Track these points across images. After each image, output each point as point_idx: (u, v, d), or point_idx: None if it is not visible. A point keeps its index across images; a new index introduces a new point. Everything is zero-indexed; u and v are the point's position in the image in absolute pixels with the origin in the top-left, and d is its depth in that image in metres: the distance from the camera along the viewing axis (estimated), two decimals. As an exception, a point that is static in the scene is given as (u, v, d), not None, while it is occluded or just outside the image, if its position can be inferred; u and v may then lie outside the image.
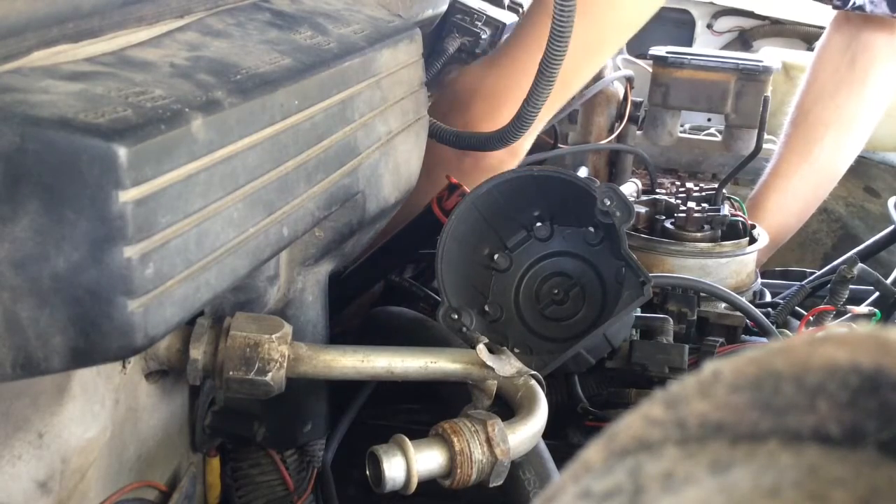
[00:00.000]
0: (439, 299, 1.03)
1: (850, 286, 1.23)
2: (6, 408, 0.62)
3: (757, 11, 2.83)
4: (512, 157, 1.42)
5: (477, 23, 1.58)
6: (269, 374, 0.76)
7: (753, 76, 2.01)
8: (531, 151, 1.73)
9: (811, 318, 1.23)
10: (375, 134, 0.89)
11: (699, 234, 1.38)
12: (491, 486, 0.78)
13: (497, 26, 1.60)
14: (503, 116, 1.21)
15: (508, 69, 1.38)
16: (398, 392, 1.11)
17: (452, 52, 1.57)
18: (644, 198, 1.50)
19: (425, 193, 1.09)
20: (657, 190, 1.72)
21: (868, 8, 1.68)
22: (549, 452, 0.87)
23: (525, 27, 1.42)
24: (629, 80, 1.98)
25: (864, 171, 2.37)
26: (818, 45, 1.84)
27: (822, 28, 1.87)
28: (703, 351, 1.16)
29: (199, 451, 0.90)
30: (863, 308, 1.26)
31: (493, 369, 0.82)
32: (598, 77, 1.88)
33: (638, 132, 2.08)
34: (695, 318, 1.24)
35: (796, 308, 1.32)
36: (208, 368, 0.77)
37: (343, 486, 1.02)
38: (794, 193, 1.79)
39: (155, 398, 0.80)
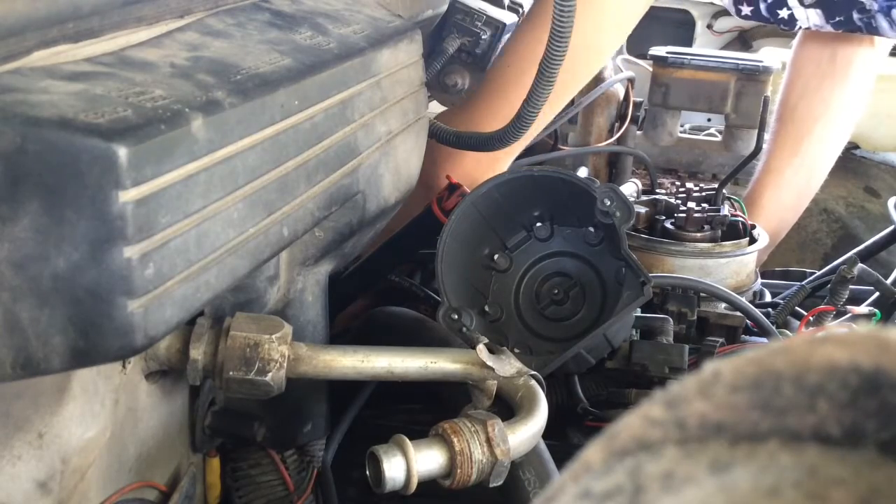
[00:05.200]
0: (439, 299, 1.03)
1: (850, 286, 1.23)
2: (6, 408, 0.63)
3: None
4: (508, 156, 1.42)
5: (477, 23, 1.58)
6: (269, 375, 0.76)
7: (753, 76, 2.01)
8: (531, 152, 1.73)
9: (811, 318, 1.23)
10: (375, 134, 0.89)
11: (699, 235, 1.38)
12: (491, 486, 0.78)
13: (497, 26, 1.60)
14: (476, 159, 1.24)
15: (493, 90, 1.40)
16: (398, 392, 1.11)
17: (452, 52, 1.57)
18: (644, 198, 1.50)
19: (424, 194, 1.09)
20: (657, 190, 1.72)
21: (815, 28, 1.69)
22: (549, 452, 0.87)
23: (511, 48, 1.43)
24: (630, 82, 1.98)
25: (864, 171, 2.37)
26: (795, 42, 1.85)
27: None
28: (703, 351, 1.16)
29: (199, 452, 0.90)
30: (863, 308, 1.26)
31: (493, 369, 0.82)
32: (600, 80, 1.88)
33: (638, 132, 2.08)
34: (695, 318, 1.24)
35: (796, 308, 1.32)
36: (208, 368, 0.77)
37: (343, 486, 1.02)
38: (788, 187, 1.81)
39: (155, 398, 0.80)
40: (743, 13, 1.73)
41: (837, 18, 1.64)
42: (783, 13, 1.66)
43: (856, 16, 1.63)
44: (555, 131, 1.88)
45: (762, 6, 1.68)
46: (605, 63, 1.71)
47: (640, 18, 1.41)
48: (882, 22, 1.61)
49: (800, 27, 1.71)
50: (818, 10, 1.64)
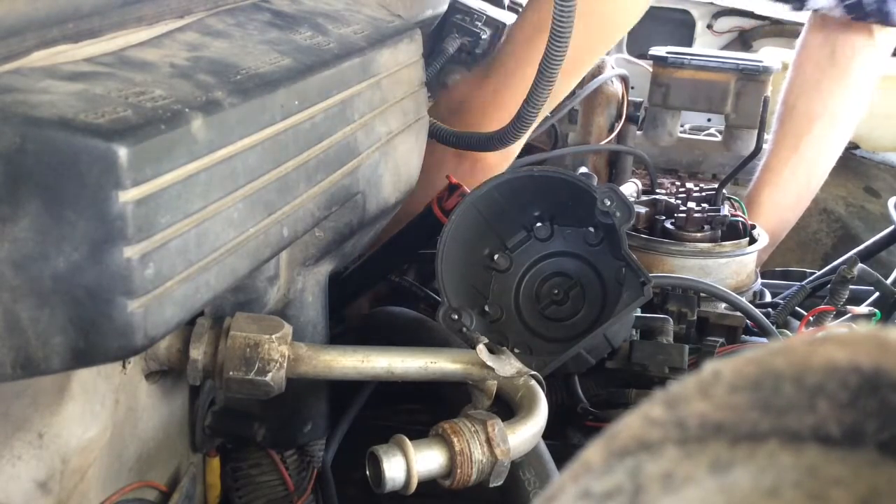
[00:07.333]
0: (439, 299, 1.03)
1: (850, 286, 1.23)
2: (6, 408, 0.63)
3: (757, 11, 2.83)
4: (506, 159, 1.42)
5: (477, 23, 1.58)
6: (269, 375, 0.76)
7: (753, 76, 2.01)
8: (531, 151, 1.73)
9: (811, 318, 1.23)
10: (375, 134, 0.89)
11: (699, 235, 1.38)
12: (491, 486, 0.78)
13: (497, 26, 1.60)
14: (490, 128, 1.23)
15: (496, 82, 1.38)
16: (398, 392, 1.11)
17: (452, 52, 1.57)
18: (644, 198, 1.50)
19: (424, 194, 1.08)
20: (657, 190, 1.72)
21: (825, 9, 1.68)
22: (549, 452, 0.87)
23: (514, 39, 1.42)
24: (624, 80, 1.98)
25: (864, 171, 2.37)
26: (798, 42, 1.85)
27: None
28: (703, 351, 1.16)
29: (199, 452, 0.90)
30: (863, 308, 1.26)
31: (493, 369, 0.82)
32: (595, 74, 1.87)
33: (638, 132, 2.08)
34: (695, 318, 1.24)
35: (796, 308, 1.32)
36: (208, 369, 0.77)
37: (343, 486, 1.02)
38: (787, 187, 1.81)
39: (155, 398, 0.80)
40: None
41: (849, 1, 1.63)
42: None
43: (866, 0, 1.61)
44: (555, 130, 1.88)
45: None
46: (601, 57, 1.71)
47: (641, 14, 1.41)
48: (893, 8, 1.59)
49: (809, 8, 1.69)
50: None
